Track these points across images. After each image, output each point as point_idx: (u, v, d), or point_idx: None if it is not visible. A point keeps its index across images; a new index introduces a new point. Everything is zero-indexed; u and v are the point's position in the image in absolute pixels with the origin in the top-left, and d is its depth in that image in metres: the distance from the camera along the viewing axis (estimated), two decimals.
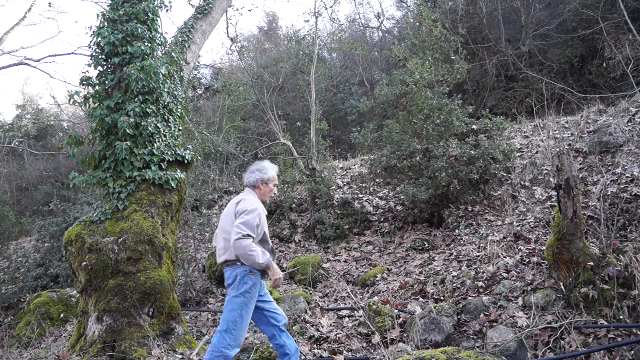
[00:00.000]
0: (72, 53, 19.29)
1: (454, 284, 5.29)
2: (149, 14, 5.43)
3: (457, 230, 6.78)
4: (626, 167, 6.42)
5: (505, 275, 5.07)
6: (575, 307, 4.09)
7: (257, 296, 3.44)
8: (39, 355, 4.95)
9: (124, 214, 4.72)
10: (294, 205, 9.46)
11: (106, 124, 4.95)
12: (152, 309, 4.54)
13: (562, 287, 4.31)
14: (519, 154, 8.11)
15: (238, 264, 3.35)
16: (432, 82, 8.03)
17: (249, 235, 3.24)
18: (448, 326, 4.41)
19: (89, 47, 5.27)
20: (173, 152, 5.23)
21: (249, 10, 27.98)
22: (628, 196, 5.82)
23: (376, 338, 4.53)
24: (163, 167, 5.08)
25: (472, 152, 6.98)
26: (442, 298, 5.19)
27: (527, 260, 5.23)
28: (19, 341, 6.06)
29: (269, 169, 3.65)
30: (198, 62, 11.48)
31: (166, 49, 6.08)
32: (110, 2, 5.46)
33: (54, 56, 22.07)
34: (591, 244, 4.82)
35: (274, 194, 3.85)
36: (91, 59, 5.25)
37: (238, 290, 3.31)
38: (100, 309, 4.38)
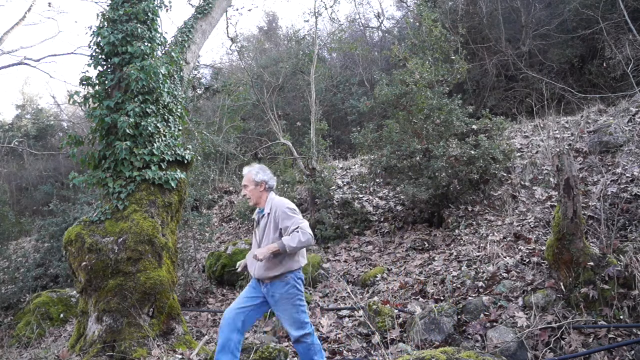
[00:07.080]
0: (72, 53, 19.37)
1: (454, 284, 5.28)
2: (149, 14, 5.43)
3: (457, 230, 6.78)
4: (626, 167, 6.42)
5: (505, 275, 5.06)
6: (576, 307, 4.09)
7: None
8: (39, 355, 4.94)
9: (123, 214, 4.72)
10: None
11: (106, 124, 4.95)
12: (152, 309, 4.54)
13: (562, 287, 4.30)
14: (519, 154, 8.10)
15: None
16: (432, 82, 8.03)
17: None
18: (448, 326, 4.41)
19: (89, 47, 5.27)
20: (173, 152, 5.22)
21: (249, 10, 27.96)
22: (628, 196, 5.82)
23: (376, 338, 4.52)
24: (163, 167, 5.07)
25: (472, 152, 6.98)
26: (442, 298, 5.18)
27: (527, 260, 5.23)
28: (19, 341, 6.06)
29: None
30: (198, 62, 11.48)
31: (166, 49, 6.08)
32: (110, 2, 5.46)
33: (54, 56, 22.17)
34: (591, 244, 4.81)
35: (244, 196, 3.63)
36: (91, 59, 5.24)
37: None
38: (100, 309, 4.37)
